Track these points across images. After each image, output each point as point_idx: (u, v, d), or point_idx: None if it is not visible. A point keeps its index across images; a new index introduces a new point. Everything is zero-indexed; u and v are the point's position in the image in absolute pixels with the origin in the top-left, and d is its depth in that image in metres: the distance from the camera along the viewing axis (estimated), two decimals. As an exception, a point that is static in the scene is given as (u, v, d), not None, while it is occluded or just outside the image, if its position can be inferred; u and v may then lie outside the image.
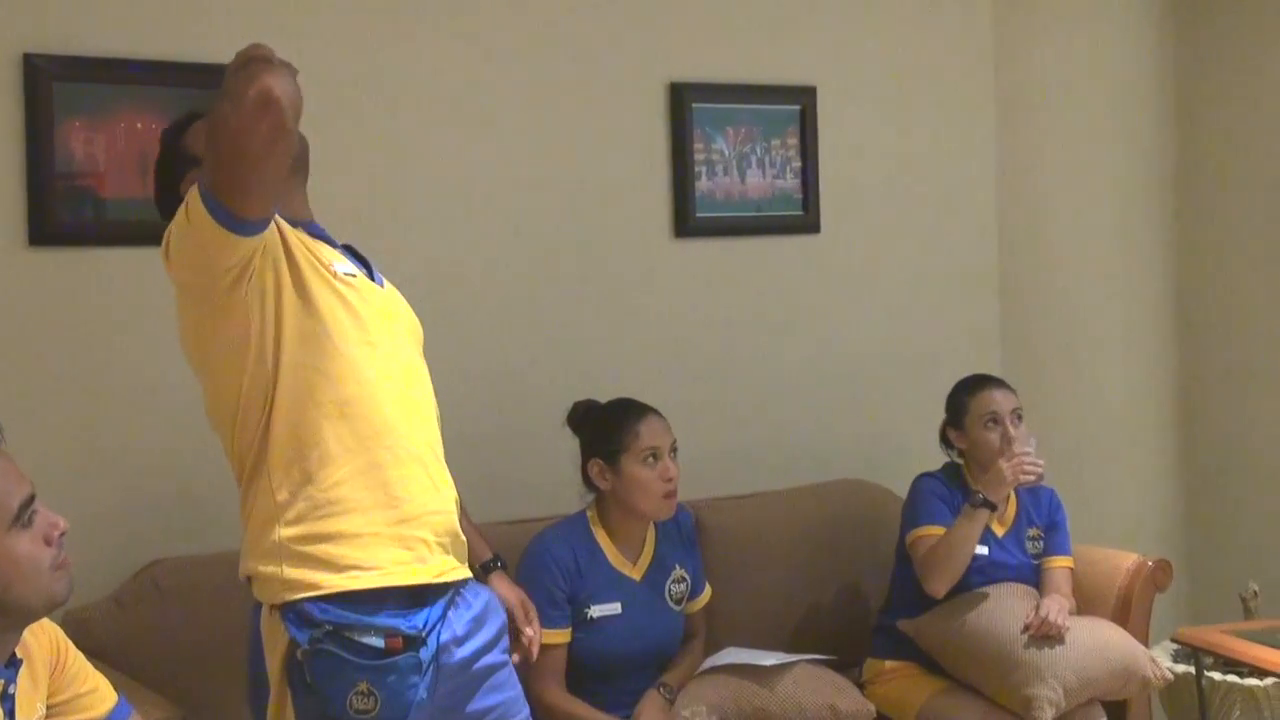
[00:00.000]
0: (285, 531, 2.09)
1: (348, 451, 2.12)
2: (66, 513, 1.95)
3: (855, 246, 4.10)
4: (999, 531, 3.41)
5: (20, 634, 1.94)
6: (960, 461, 3.49)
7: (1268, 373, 4.34)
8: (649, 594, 3.12)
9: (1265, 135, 4.31)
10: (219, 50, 2.23)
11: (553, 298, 3.63)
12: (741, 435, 3.89)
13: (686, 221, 3.79)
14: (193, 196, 2.01)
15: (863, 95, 4.10)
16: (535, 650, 2.60)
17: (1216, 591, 4.34)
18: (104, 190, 3.08)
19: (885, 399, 4.12)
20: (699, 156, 3.81)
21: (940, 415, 3.52)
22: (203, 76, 3.01)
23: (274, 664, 2.11)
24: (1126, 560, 3.52)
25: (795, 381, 3.99)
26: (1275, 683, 3.59)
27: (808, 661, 3.18)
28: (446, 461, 2.30)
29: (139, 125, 3.08)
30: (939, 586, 3.28)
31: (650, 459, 3.03)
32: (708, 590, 3.30)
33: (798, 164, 3.98)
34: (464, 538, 2.28)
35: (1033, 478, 3.28)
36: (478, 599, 2.26)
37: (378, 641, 2.06)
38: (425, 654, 2.09)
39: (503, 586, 2.64)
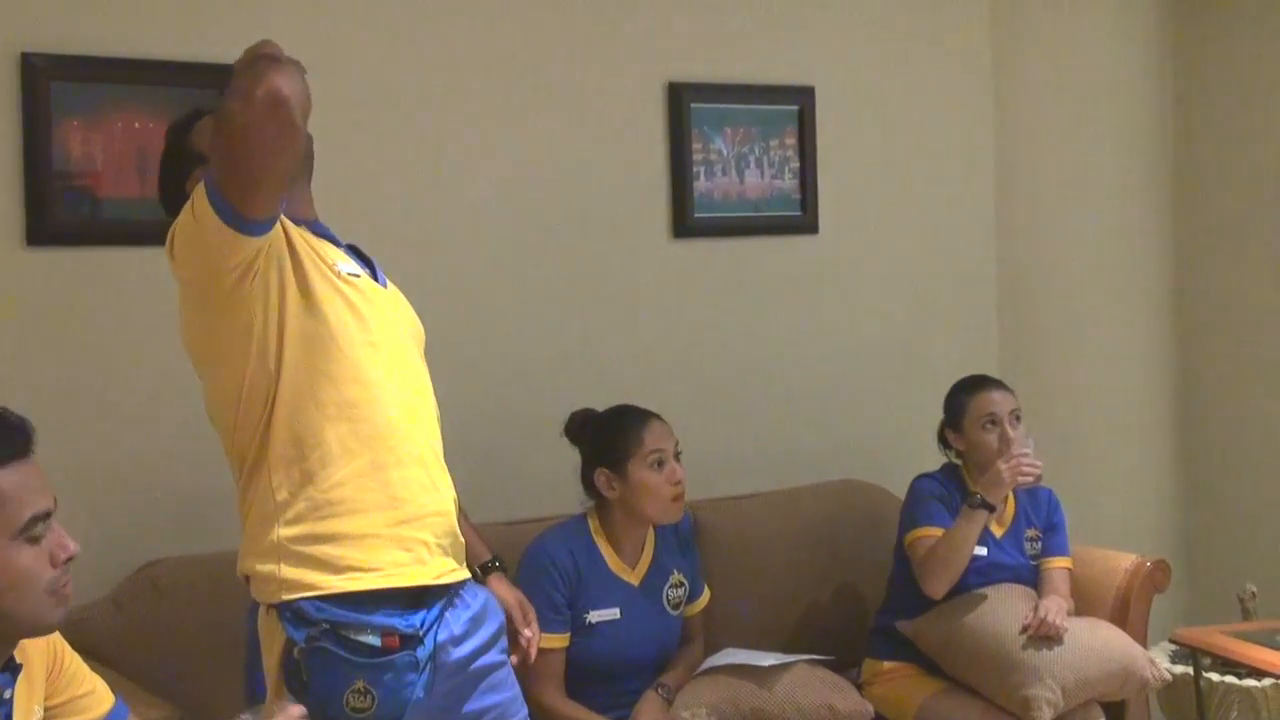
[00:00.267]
0: (284, 531, 2.09)
1: (349, 452, 2.12)
2: (64, 512, 1.90)
3: (854, 247, 4.10)
4: (997, 532, 3.41)
5: (13, 646, 1.87)
6: (958, 462, 3.49)
7: (1266, 373, 4.34)
8: (647, 599, 3.11)
9: (1264, 135, 4.31)
10: (218, 50, 2.23)
11: (551, 297, 3.63)
12: (740, 436, 3.89)
13: (685, 221, 3.79)
14: (198, 194, 2.00)
15: (861, 95, 4.10)
16: (534, 651, 2.60)
17: (1214, 592, 4.34)
18: (101, 190, 3.07)
19: (884, 399, 4.12)
20: (697, 156, 3.80)
21: (938, 415, 3.52)
22: (201, 76, 3.03)
23: (271, 663, 2.11)
24: (1125, 561, 3.52)
25: (793, 382, 3.98)
26: (1273, 684, 3.59)
27: (806, 662, 3.18)
28: (446, 462, 2.29)
29: (137, 125, 3.08)
30: (937, 587, 3.28)
31: (656, 463, 3.02)
32: (706, 593, 3.30)
33: (796, 164, 3.98)
34: (462, 539, 2.28)
35: (1031, 479, 3.28)
36: (476, 599, 2.26)
37: (374, 640, 2.06)
38: (422, 653, 2.09)
39: (501, 588, 2.64)
